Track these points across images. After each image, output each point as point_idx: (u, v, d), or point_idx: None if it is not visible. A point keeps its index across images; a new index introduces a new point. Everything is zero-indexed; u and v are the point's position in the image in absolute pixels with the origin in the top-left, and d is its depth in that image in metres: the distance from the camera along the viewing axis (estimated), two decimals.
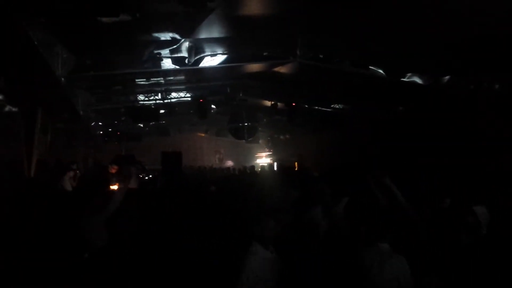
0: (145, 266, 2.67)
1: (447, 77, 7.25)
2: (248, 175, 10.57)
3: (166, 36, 6.75)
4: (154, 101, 10.96)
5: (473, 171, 5.77)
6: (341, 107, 11.61)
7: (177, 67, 8.08)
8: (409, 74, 7.68)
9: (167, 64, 8.14)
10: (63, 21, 5.61)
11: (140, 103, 10.95)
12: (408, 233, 3.12)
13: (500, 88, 6.48)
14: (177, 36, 6.80)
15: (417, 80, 7.72)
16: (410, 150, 7.96)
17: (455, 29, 5.29)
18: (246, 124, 14.81)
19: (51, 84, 6.99)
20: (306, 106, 11.75)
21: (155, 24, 6.27)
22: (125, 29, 5.96)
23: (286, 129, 17.20)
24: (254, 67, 8.68)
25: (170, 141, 15.64)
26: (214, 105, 12.70)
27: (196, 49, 7.44)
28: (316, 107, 11.79)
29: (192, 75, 9.53)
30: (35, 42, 5.48)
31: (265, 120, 15.93)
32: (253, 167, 13.77)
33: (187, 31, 6.60)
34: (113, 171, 6.37)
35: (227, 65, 8.35)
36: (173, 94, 11.06)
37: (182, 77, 9.87)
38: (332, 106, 11.59)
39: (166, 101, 11.06)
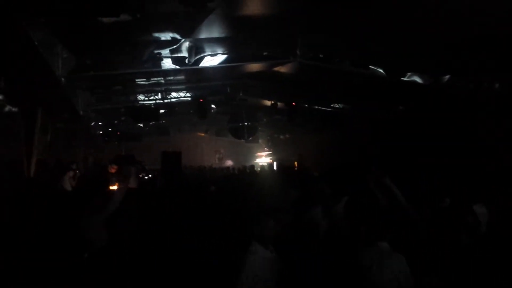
0: (145, 266, 2.67)
1: (447, 77, 7.25)
2: (248, 175, 10.58)
3: (166, 36, 6.75)
4: (154, 101, 10.97)
5: (473, 171, 5.77)
6: (341, 107, 11.60)
7: (177, 67, 8.06)
8: (409, 74, 7.66)
9: (167, 64, 8.13)
10: (63, 21, 5.61)
11: (140, 103, 10.96)
12: (408, 232, 3.11)
13: (500, 88, 6.47)
14: (177, 36, 6.80)
15: (417, 79, 7.71)
16: (410, 150, 7.95)
17: (455, 29, 5.28)
18: (246, 123, 14.83)
19: (51, 84, 7.00)
20: (306, 105, 11.75)
21: (155, 24, 6.27)
22: (125, 29, 5.97)
23: (286, 128, 17.21)
24: (254, 67, 8.68)
25: (170, 141, 15.66)
26: (214, 105, 12.70)
27: (196, 49, 7.44)
28: (316, 107, 11.79)
29: (192, 75, 9.53)
30: (35, 42, 5.48)
31: (265, 119, 15.94)
32: (253, 166, 13.79)
33: (187, 31, 6.60)
34: (113, 171, 6.40)
35: (227, 65, 8.35)
36: (173, 94, 11.07)
37: (182, 77, 9.88)
38: (332, 106, 11.59)
39: (166, 101, 11.06)
